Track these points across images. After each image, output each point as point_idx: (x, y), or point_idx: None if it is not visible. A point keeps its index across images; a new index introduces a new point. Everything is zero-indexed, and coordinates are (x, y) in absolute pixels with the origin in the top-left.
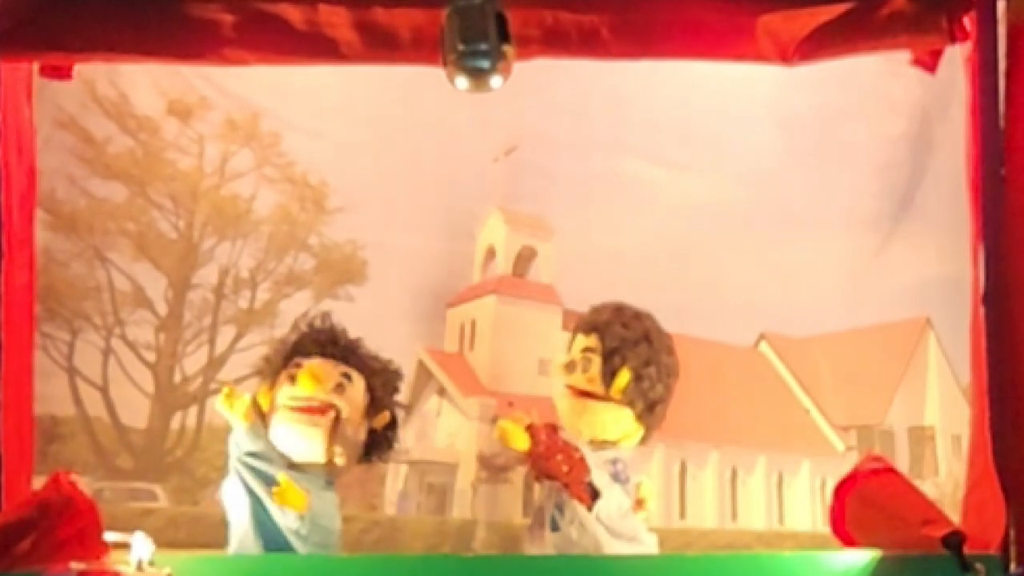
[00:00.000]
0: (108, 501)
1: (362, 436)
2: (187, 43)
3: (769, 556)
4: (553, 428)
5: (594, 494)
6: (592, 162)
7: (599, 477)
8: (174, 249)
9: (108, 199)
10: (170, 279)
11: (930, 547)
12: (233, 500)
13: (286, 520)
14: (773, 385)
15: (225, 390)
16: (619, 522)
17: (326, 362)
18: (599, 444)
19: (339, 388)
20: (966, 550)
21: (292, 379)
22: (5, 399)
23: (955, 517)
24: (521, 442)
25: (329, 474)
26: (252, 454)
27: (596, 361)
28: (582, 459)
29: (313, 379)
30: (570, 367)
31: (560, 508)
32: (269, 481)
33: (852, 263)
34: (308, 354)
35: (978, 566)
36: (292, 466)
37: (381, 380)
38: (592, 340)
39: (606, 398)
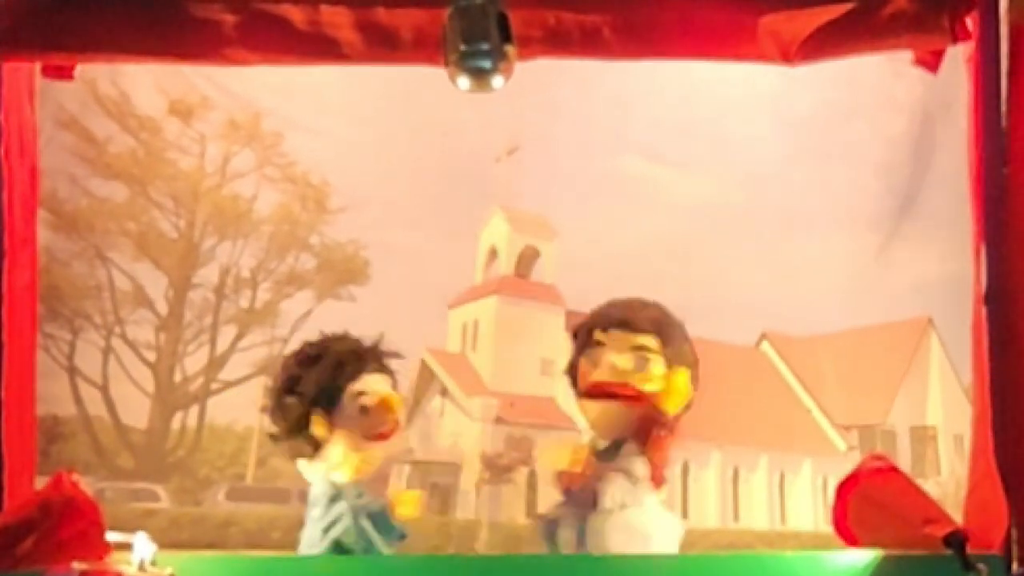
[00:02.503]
0: (110, 501)
1: None
2: (189, 43)
3: (771, 556)
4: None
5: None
6: (594, 162)
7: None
8: (175, 249)
9: (109, 199)
10: (171, 279)
11: (932, 546)
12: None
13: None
14: (775, 385)
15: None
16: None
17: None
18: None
19: None
20: (968, 549)
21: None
22: (7, 399)
23: (957, 516)
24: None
25: None
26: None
27: (657, 360)
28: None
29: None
30: (619, 367)
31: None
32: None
33: (854, 263)
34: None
35: (980, 566)
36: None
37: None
38: (649, 339)
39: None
